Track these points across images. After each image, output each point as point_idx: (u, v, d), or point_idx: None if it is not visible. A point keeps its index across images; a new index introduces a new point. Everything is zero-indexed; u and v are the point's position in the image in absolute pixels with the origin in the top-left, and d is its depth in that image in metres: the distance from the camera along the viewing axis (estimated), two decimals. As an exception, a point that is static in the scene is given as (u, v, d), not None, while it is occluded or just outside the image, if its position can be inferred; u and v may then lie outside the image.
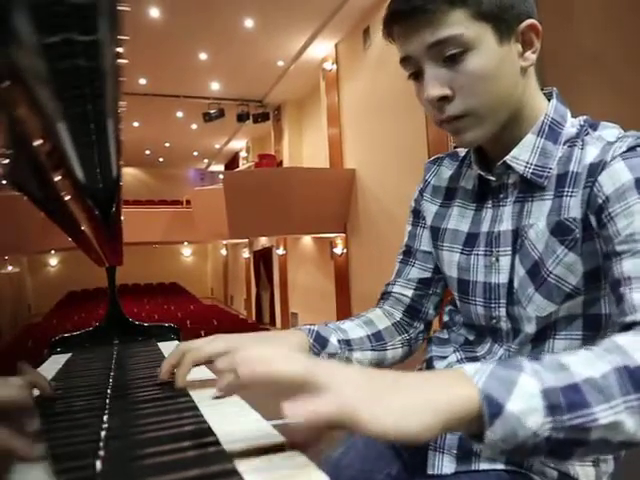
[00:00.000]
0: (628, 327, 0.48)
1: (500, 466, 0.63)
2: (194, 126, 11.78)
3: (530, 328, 0.65)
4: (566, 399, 0.38)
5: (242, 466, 0.37)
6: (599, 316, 0.63)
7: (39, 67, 0.31)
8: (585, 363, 0.41)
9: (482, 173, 0.70)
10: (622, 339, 0.44)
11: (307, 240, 9.06)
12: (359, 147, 7.19)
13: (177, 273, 16.55)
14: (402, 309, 0.82)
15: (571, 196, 0.61)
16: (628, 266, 0.52)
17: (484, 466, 0.64)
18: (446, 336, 0.79)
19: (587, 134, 0.64)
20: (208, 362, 0.62)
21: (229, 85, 9.48)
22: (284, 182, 7.01)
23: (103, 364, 0.86)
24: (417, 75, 0.64)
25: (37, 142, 0.48)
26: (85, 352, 1.04)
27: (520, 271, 0.65)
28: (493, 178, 0.68)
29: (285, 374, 0.37)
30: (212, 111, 9.42)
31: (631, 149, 0.58)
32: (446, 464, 0.65)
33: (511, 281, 0.66)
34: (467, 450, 0.64)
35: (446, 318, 0.81)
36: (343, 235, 7.49)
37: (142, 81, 9.02)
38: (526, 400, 0.37)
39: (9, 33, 0.26)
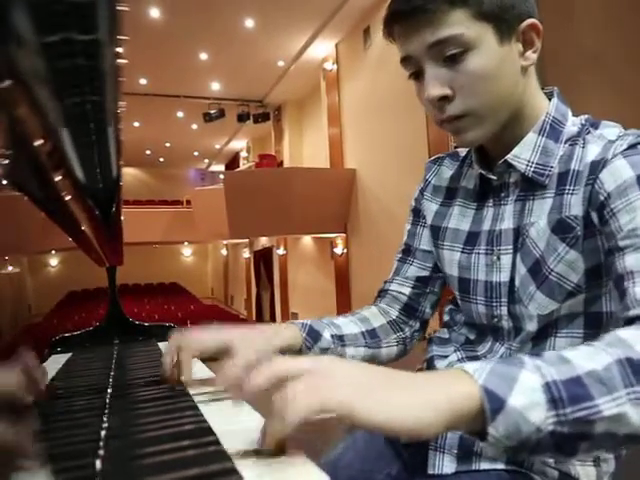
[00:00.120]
0: (631, 321, 0.48)
1: (501, 466, 0.63)
2: (194, 126, 11.78)
3: (531, 326, 0.65)
4: (568, 392, 0.38)
5: (242, 465, 0.37)
6: (600, 314, 0.63)
7: (39, 66, 0.31)
8: (587, 356, 0.41)
9: (483, 172, 0.70)
10: (624, 332, 0.44)
11: (307, 240, 9.06)
12: (359, 147, 7.19)
13: (177, 273, 16.54)
14: (399, 307, 0.82)
15: (572, 194, 0.61)
16: (631, 261, 0.52)
17: (485, 466, 0.64)
18: (447, 335, 0.78)
19: (588, 133, 0.64)
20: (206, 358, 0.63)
21: (229, 85, 9.48)
22: (284, 182, 7.01)
23: (103, 364, 0.86)
24: (417, 75, 0.64)
25: (37, 142, 0.48)
26: (85, 352, 1.04)
27: (521, 269, 0.65)
28: (494, 177, 0.68)
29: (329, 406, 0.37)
30: (212, 111, 9.42)
31: (632, 147, 0.58)
32: (446, 464, 0.65)
33: (512, 279, 0.66)
34: (468, 450, 0.64)
35: (447, 317, 0.81)
36: (343, 235, 7.50)
37: (142, 81, 9.03)
38: (528, 395, 0.37)
39: (9, 32, 0.26)
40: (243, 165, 12.42)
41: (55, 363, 0.92)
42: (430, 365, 0.76)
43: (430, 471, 0.66)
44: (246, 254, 12.94)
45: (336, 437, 0.80)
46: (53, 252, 13.50)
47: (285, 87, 9.23)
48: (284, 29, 7.26)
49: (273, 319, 10.78)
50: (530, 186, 0.66)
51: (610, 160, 0.58)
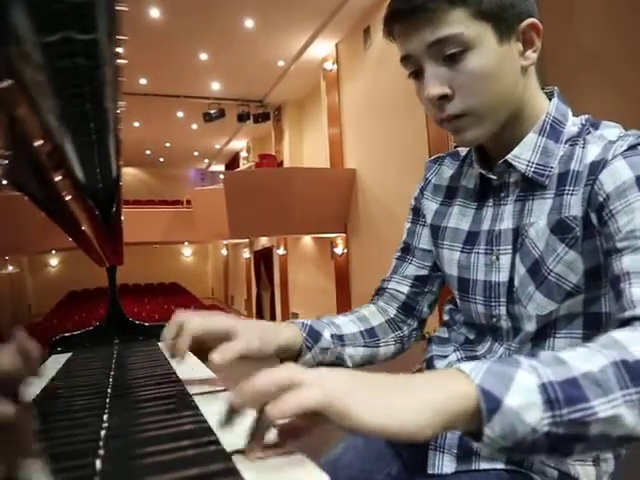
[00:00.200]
0: (627, 322, 0.48)
1: (500, 465, 0.63)
2: (194, 126, 11.78)
3: (530, 327, 0.65)
4: (564, 393, 0.38)
5: (242, 465, 0.37)
6: (599, 314, 0.62)
7: (38, 66, 0.31)
8: (583, 358, 0.41)
9: (483, 172, 0.70)
10: (620, 334, 0.44)
11: (307, 240, 9.06)
12: (359, 147, 7.19)
13: (177, 273, 16.54)
14: (397, 306, 0.82)
15: (572, 194, 0.61)
16: (628, 262, 0.52)
17: (484, 465, 0.64)
18: (446, 335, 0.79)
19: (588, 133, 0.64)
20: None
21: (229, 85, 9.48)
22: (284, 182, 7.01)
23: (103, 364, 0.86)
24: (417, 74, 0.64)
25: (37, 142, 0.48)
26: (85, 352, 1.04)
27: (520, 269, 0.65)
28: (494, 177, 0.68)
29: (310, 405, 0.36)
30: (212, 111, 9.42)
31: (632, 147, 0.58)
32: (446, 463, 0.65)
33: (511, 279, 0.66)
34: (467, 449, 0.64)
35: (446, 317, 0.81)
36: (343, 235, 7.50)
37: (142, 81, 9.03)
38: (524, 395, 0.37)
39: (8, 32, 0.26)
40: (243, 165, 12.42)
41: (55, 363, 0.92)
42: (430, 365, 0.76)
43: (430, 471, 0.66)
44: (246, 254, 12.94)
45: (336, 437, 0.80)
46: (53, 252, 13.50)
47: (285, 87, 9.23)
48: (284, 29, 7.26)
49: (273, 319, 10.78)
50: (530, 186, 0.66)
51: (610, 161, 0.58)
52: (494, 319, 0.69)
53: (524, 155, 0.65)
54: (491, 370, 0.39)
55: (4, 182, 0.73)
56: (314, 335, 0.71)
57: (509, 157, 0.65)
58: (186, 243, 15.86)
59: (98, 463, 0.39)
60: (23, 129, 0.46)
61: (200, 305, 12.07)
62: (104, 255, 1.13)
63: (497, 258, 0.68)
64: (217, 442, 0.41)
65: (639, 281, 0.50)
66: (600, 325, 0.63)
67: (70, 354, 1.04)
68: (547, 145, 0.65)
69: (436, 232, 0.78)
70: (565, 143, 0.65)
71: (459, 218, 0.75)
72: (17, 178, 0.73)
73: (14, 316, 10.90)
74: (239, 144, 13.58)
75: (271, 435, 0.40)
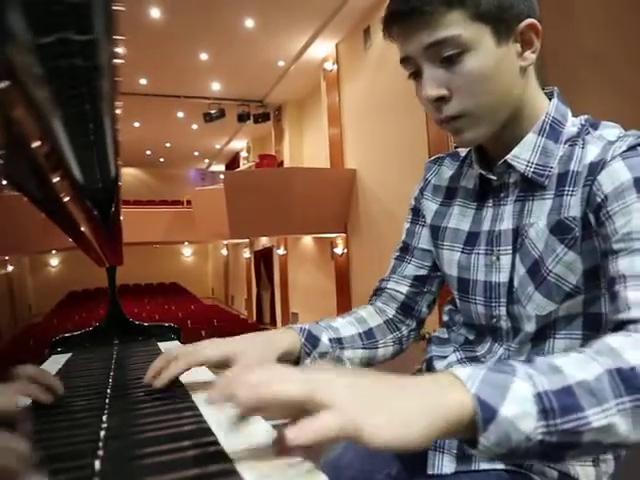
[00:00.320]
0: (621, 325, 0.48)
1: (500, 466, 0.63)
2: (195, 126, 11.78)
3: (530, 327, 0.65)
4: (559, 403, 0.38)
5: (241, 466, 0.37)
6: (599, 315, 0.62)
7: (36, 67, 0.31)
8: (578, 365, 0.41)
9: (483, 172, 0.69)
10: (614, 340, 0.43)
11: (308, 240, 9.07)
12: (360, 147, 7.19)
13: (178, 273, 16.56)
14: (395, 306, 0.82)
15: (571, 195, 0.61)
16: (624, 264, 0.52)
17: (484, 466, 0.64)
18: (446, 336, 0.78)
19: (588, 133, 0.64)
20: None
21: (230, 85, 9.48)
22: (285, 182, 7.01)
23: (103, 364, 0.86)
24: (417, 75, 0.64)
25: (34, 142, 0.48)
26: (85, 352, 1.04)
27: (520, 270, 0.65)
28: (494, 177, 0.68)
29: (285, 395, 0.37)
30: (213, 111, 9.42)
31: (631, 148, 0.58)
32: (446, 464, 0.65)
33: (511, 280, 0.66)
34: (467, 450, 0.64)
35: (446, 318, 0.81)
36: (344, 235, 7.50)
37: (143, 81, 9.03)
38: (520, 404, 0.37)
39: (5, 32, 0.26)
40: (243, 165, 12.42)
41: (55, 363, 0.92)
42: (429, 365, 0.76)
43: (430, 471, 0.66)
44: (246, 254, 12.95)
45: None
46: (53, 252, 13.51)
47: (285, 87, 9.23)
48: (284, 29, 7.26)
49: (273, 319, 10.78)
50: (530, 187, 0.66)
51: (609, 162, 0.58)
52: (494, 319, 0.69)
53: (524, 155, 0.65)
54: (487, 378, 0.39)
55: (4, 182, 0.73)
56: (312, 340, 0.71)
57: (509, 157, 0.65)
58: (186, 243, 15.87)
59: (97, 464, 0.38)
60: (21, 130, 0.46)
61: (200, 305, 12.07)
62: (104, 255, 1.13)
63: (497, 258, 0.68)
64: (217, 443, 0.41)
65: (634, 284, 0.50)
66: (600, 326, 0.63)
67: (70, 354, 1.04)
68: (547, 145, 0.65)
69: (436, 232, 0.78)
70: (565, 143, 0.65)
71: (459, 219, 0.75)
72: (15, 178, 0.73)
73: (14, 316, 10.90)
74: (239, 144, 13.58)
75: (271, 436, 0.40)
